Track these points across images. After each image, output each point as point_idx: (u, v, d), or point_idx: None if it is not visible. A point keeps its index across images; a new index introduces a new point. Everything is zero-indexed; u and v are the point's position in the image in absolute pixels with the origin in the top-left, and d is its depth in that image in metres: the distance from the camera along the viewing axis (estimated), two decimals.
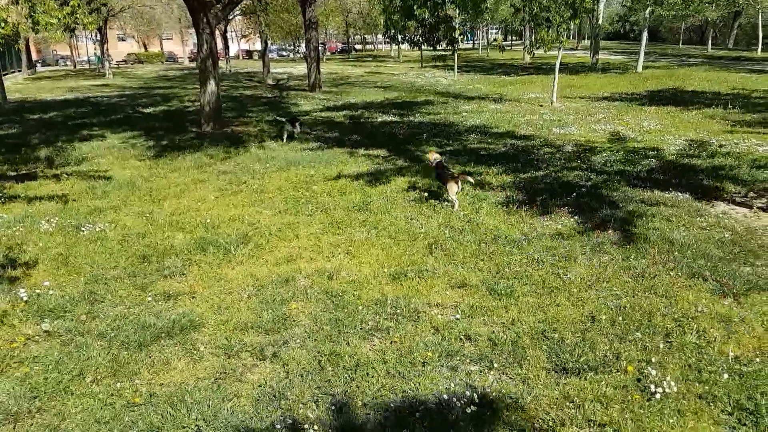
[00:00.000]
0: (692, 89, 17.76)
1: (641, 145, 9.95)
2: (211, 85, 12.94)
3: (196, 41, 13.36)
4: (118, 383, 3.61)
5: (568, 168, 8.50)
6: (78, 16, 7.07)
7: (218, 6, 12.92)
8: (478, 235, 5.87)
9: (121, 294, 4.92)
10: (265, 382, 3.55)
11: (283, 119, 12.47)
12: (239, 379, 3.62)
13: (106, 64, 36.61)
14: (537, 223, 6.19)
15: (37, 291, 4.93)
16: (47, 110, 18.18)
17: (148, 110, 18.06)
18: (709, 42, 42.80)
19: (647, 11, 24.87)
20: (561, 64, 16.23)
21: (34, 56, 53.30)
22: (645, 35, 25.27)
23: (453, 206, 6.76)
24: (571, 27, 10.77)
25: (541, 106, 15.90)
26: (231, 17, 35.73)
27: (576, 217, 6.25)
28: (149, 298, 4.81)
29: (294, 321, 4.25)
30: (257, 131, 13.15)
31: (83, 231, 6.52)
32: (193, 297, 4.83)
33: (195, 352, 3.95)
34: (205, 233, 6.39)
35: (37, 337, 4.18)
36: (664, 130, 11.33)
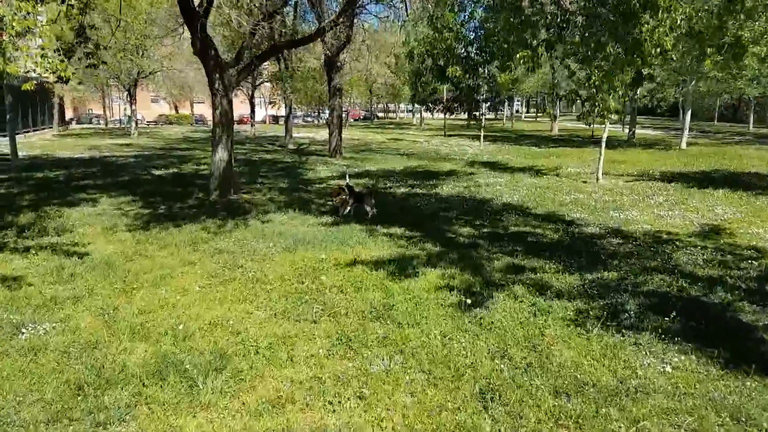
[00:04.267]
0: (754, 170, 15.99)
1: (730, 241, 8.11)
2: (221, 152, 11.68)
3: None
4: None
5: (647, 269, 6.69)
6: (50, 60, 5.84)
7: (234, 69, 11.92)
8: (552, 377, 4.07)
9: None
10: None
11: (347, 188, 10.01)
12: None
13: (132, 124, 36.68)
14: (633, 358, 4.37)
15: None
16: (55, 168, 17.19)
17: (158, 172, 16.96)
18: (751, 119, 41.35)
19: (691, 84, 23.59)
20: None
21: (71, 114, 54.76)
22: (689, 110, 23.81)
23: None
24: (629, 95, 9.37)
25: (584, 182, 14.29)
26: (259, 82, 35.87)
27: (691, 354, 4.42)
28: None
29: None
30: (266, 200, 11.72)
31: (22, 334, 4.94)
32: None
33: None
34: (173, 347, 4.73)
35: None
36: (745, 220, 9.50)
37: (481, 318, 5.18)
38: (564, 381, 4.02)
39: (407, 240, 8.24)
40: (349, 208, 9.87)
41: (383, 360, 4.40)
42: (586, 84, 10.25)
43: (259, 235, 8.64)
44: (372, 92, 53.03)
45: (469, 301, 5.49)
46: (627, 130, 28.95)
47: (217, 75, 11.69)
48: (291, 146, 26.71)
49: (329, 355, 4.54)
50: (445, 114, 40.42)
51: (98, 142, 30.66)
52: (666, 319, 5.06)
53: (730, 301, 5.56)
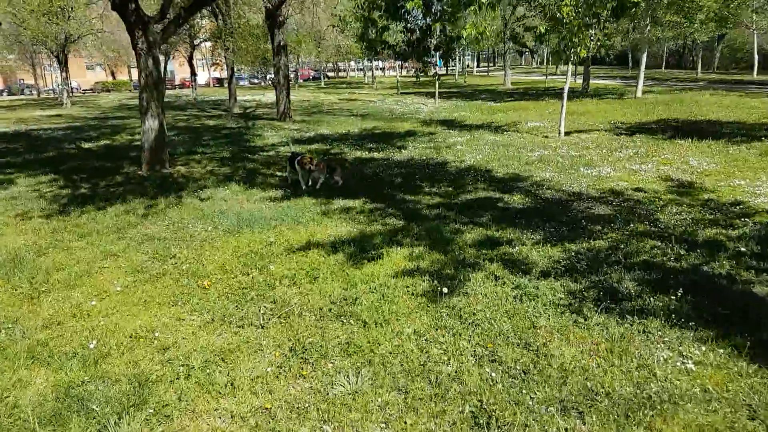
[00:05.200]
0: (714, 118, 15.69)
1: (713, 196, 7.55)
2: (150, 120, 10.31)
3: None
4: None
5: (636, 235, 6.03)
6: None
7: (159, 24, 10.41)
8: (555, 387, 3.33)
9: None
10: None
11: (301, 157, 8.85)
12: None
13: (64, 93, 33.75)
14: (646, 353, 3.67)
15: None
16: None
17: (88, 145, 15.30)
18: (699, 65, 41.69)
19: (646, 31, 23.05)
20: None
21: (0, 85, 50.10)
22: (644, 58, 23.32)
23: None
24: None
25: (546, 137, 13.63)
26: (198, 42, 33.27)
27: (712, 343, 3.75)
28: None
29: None
30: (205, 173, 10.49)
31: None
32: None
33: None
34: (81, 373, 3.74)
35: None
36: (723, 171, 9.00)
37: (460, 309, 4.38)
38: (571, 391, 3.28)
39: (367, 214, 7.33)
40: (322, 179, 8.96)
41: (348, 376, 3.55)
42: (564, 22, 9.42)
43: (197, 215, 7.55)
44: (321, 49, 50.61)
45: (444, 289, 4.66)
46: (582, 81, 28.47)
47: (140, 31, 10.19)
48: (236, 110, 25.00)
49: (280, 373, 3.65)
50: (399, 64, 38.89)
51: (27, 114, 27.96)
52: (672, 297, 4.38)
53: (737, 270, 4.95)
